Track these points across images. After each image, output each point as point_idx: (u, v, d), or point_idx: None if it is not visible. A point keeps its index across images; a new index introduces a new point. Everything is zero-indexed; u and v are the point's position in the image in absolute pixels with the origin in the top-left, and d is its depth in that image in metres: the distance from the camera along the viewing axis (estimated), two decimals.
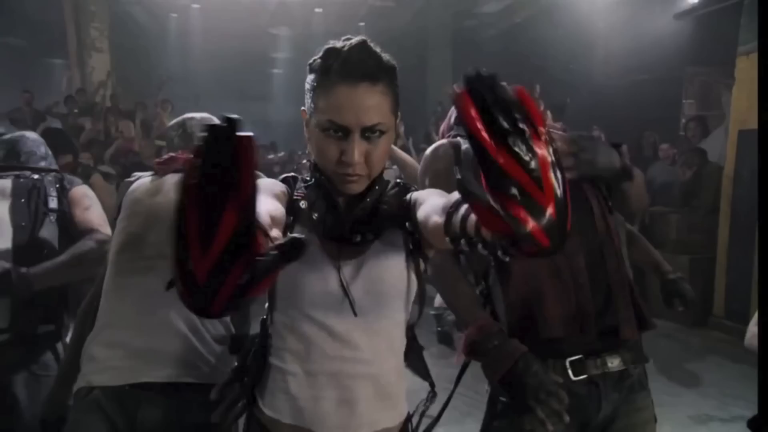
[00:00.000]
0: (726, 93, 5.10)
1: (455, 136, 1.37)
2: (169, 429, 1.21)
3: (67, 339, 1.66)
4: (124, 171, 5.39)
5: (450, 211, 0.69)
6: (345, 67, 0.86)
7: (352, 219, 0.95)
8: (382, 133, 0.90)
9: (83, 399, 1.24)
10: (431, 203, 0.84)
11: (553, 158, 0.50)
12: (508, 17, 9.67)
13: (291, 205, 0.96)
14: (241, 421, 1.06)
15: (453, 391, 1.29)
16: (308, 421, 0.92)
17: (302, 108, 0.96)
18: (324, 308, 0.92)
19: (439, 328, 3.98)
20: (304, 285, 0.92)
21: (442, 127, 1.55)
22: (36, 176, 1.70)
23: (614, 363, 1.21)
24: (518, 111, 0.49)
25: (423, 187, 1.08)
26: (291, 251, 0.51)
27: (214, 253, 0.46)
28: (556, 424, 1.06)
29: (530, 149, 0.49)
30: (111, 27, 8.60)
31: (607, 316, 1.21)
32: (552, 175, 0.50)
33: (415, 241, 0.95)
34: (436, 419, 1.12)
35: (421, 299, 1.00)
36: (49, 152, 1.87)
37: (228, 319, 1.35)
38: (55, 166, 1.86)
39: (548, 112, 6.60)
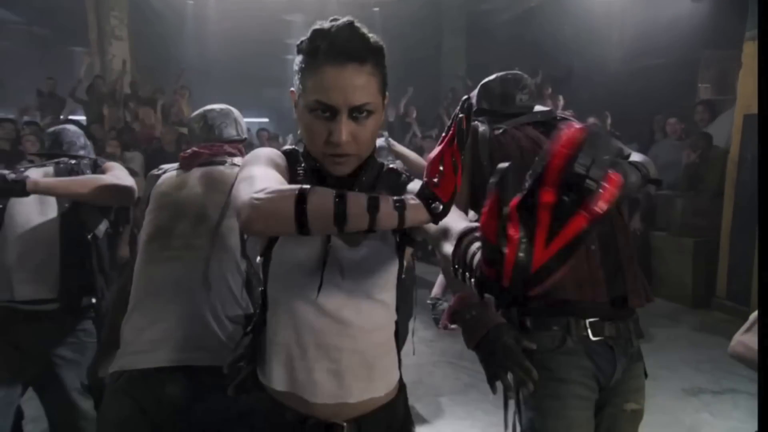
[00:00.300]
0: None
1: (473, 119, 1.45)
2: (191, 409, 1.27)
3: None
4: (146, 157, 5.60)
5: (460, 241, 0.79)
6: (332, 48, 0.87)
7: None
8: (369, 113, 0.90)
9: (114, 383, 1.33)
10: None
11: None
12: (522, 2, 9.64)
13: (292, 180, 0.98)
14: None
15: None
16: (301, 390, 0.95)
17: (291, 89, 0.96)
18: (313, 286, 0.94)
19: (434, 316, 4.14)
20: (296, 263, 0.95)
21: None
22: (74, 161, 1.90)
23: (623, 330, 1.31)
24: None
25: None
26: None
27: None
28: (522, 390, 1.13)
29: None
30: (130, 15, 8.78)
31: (617, 284, 1.30)
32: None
33: (408, 235, 0.99)
34: None
35: (412, 280, 1.09)
36: (88, 143, 2.06)
37: (247, 300, 1.43)
38: (92, 155, 2.05)
39: (560, 97, 6.67)
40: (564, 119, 1.50)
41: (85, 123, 6.63)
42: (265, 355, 1.00)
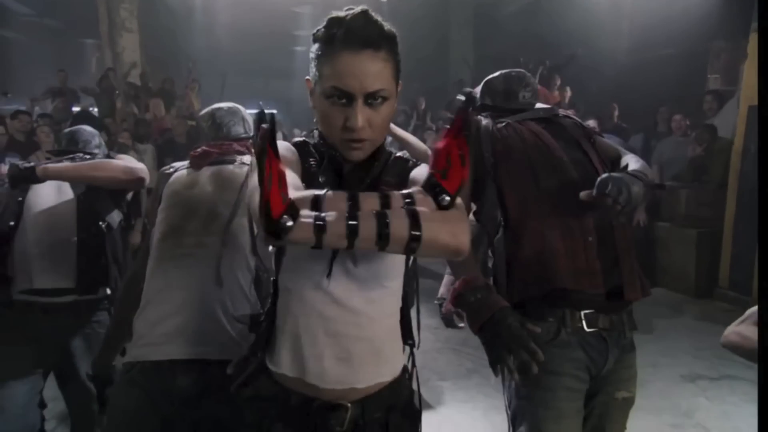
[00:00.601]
0: None
1: (476, 114, 1.49)
2: (200, 400, 1.30)
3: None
4: (157, 149, 5.69)
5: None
6: (348, 35, 0.89)
7: None
8: (384, 99, 0.93)
9: (126, 374, 1.36)
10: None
11: None
12: None
13: (304, 172, 1.00)
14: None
15: None
16: (309, 376, 0.97)
17: (306, 78, 0.98)
18: (324, 274, 0.96)
19: (443, 317, 4.23)
20: (307, 251, 0.94)
21: None
22: (88, 157, 1.97)
23: (617, 322, 1.32)
24: None
25: None
26: None
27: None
28: (524, 373, 1.14)
29: None
30: (140, 7, 8.86)
31: (614, 276, 1.30)
32: None
33: None
34: None
35: (415, 271, 1.08)
36: (103, 143, 2.13)
37: (255, 297, 1.46)
38: (106, 152, 2.11)
39: (567, 88, 6.66)
40: (566, 116, 1.52)
41: (96, 115, 6.74)
42: (275, 342, 1.02)
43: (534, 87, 1.57)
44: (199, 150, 1.55)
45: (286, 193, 0.75)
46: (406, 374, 1.09)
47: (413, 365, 1.12)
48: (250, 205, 0.86)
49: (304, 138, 1.07)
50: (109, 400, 1.42)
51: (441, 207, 0.83)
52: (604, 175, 1.23)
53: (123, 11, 8.71)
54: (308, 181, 0.96)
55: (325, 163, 0.99)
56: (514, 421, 1.35)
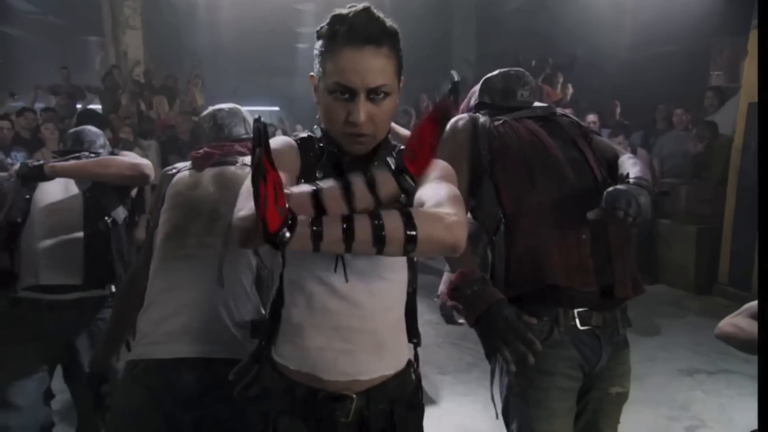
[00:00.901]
0: None
1: (475, 112, 1.52)
2: (203, 398, 1.32)
3: None
4: (161, 146, 5.74)
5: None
6: (351, 32, 0.90)
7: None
8: (386, 94, 0.94)
9: (130, 371, 1.37)
10: (425, 198, 0.91)
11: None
12: None
13: (305, 167, 1.01)
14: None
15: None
16: (313, 368, 0.99)
17: (311, 74, 0.99)
18: (327, 268, 0.97)
19: (443, 314, 4.26)
20: None
21: (462, 106, 1.67)
22: (93, 155, 2.00)
23: (610, 319, 1.33)
24: None
25: (441, 157, 1.10)
26: None
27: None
28: (521, 364, 1.14)
29: None
30: (143, 5, 8.90)
31: (606, 274, 1.31)
32: None
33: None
34: None
35: (414, 268, 1.08)
36: (107, 143, 2.16)
37: (257, 296, 1.48)
38: (110, 151, 2.14)
39: (569, 86, 6.68)
40: (563, 115, 1.54)
41: (101, 112, 6.78)
42: (280, 335, 1.04)
43: (532, 86, 1.57)
44: (201, 151, 1.57)
45: (284, 206, 0.76)
46: (411, 368, 1.09)
47: (416, 362, 1.12)
48: (234, 214, 0.88)
49: (309, 133, 1.08)
50: (112, 397, 1.44)
51: (404, 190, 0.85)
52: (611, 189, 1.24)
53: (127, 9, 8.74)
54: (308, 176, 0.99)
55: (325, 157, 1.01)
56: (506, 417, 1.38)
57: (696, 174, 4.97)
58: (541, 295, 1.29)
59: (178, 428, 1.33)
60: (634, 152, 5.11)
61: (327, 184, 0.86)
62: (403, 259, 1.03)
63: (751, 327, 1.37)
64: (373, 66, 0.91)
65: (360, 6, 0.93)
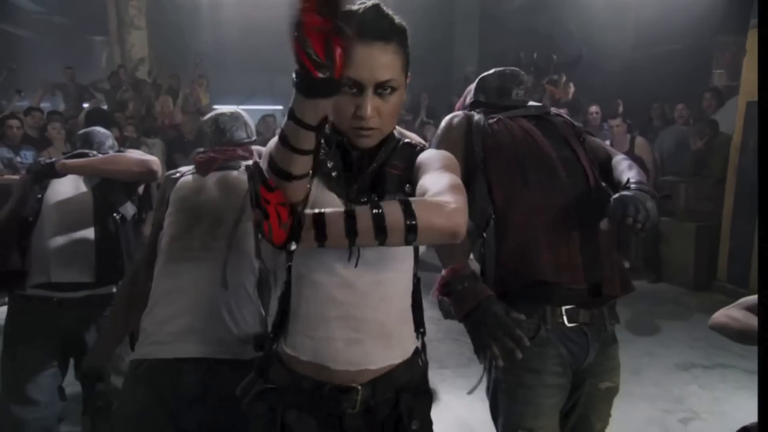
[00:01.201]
0: None
1: (471, 110, 1.55)
2: (205, 397, 1.35)
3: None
4: (165, 144, 5.80)
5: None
6: (360, 28, 0.92)
7: (360, 183, 1.02)
8: (393, 89, 0.97)
9: (134, 371, 1.40)
10: (427, 185, 0.93)
11: None
12: None
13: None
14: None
15: None
16: (322, 358, 1.01)
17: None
18: (334, 259, 0.99)
19: (441, 309, 4.30)
20: None
21: (458, 104, 1.69)
22: (101, 155, 2.04)
23: (597, 316, 1.35)
24: None
25: None
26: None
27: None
28: (509, 360, 1.15)
29: None
30: (148, 5, 8.97)
31: (595, 272, 1.33)
32: None
33: None
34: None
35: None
36: (115, 143, 2.22)
37: (258, 298, 1.51)
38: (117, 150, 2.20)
39: (571, 84, 6.72)
40: (557, 115, 1.56)
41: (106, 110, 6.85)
42: (289, 327, 1.05)
43: (527, 85, 1.60)
44: (205, 156, 1.60)
45: (286, 221, 0.81)
46: (419, 356, 1.11)
47: (423, 351, 1.13)
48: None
49: None
50: (118, 396, 1.46)
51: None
52: (618, 196, 1.25)
53: (131, 8, 8.82)
54: (316, 167, 0.99)
55: (333, 149, 1.03)
56: (493, 412, 1.41)
57: (696, 172, 5.00)
58: (529, 293, 1.31)
59: (182, 427, 1.35)
60: (632, 141, 5.15)
61: (332, 210, 0.86)
62: (409, 248, 1.05)
63: (744, 318, 1.38)
64: (381, 61, 0.94)
65: (370, 3, 0.96)
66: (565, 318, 1.32)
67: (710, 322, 1.46)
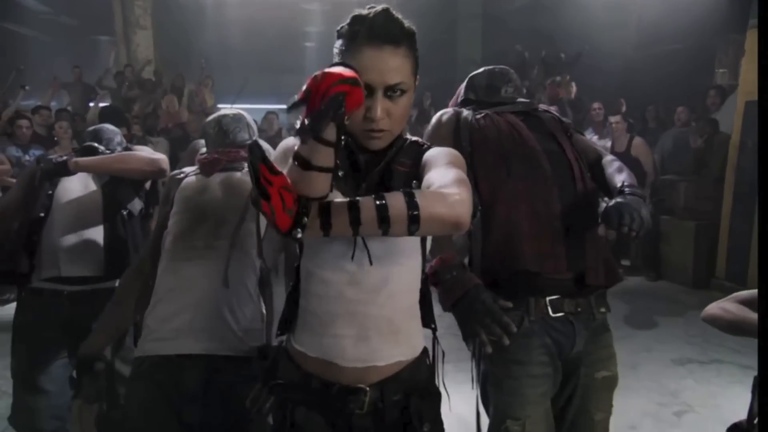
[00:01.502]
0: None
1: (461, 107, 1.58)
2: (206, 392, 1.38)
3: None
4: (171, 143, 5.88)
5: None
6: (371, 32, 0.95)
7: (369, 182, 1.03)
8: (402, 92, 0.98)
9: (137, 368, 1.42)
10: (432, 180, 0.95)
11: None
12: None
13: None
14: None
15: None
16: (330, 355, 1.01)
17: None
18: (344, 257, 0.99)
19: (441, 301, 4.32)
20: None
21: (451, 102, 1.72)
22: (108, 151, 2.10)
23: (584, 305, 1.37)
24: None
25: None
26: None
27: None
28: (496, 344, 1.18)
29: None
30: (153, 5, 9.05)
31: (579, 261, 1.35)
32: None
33: None
34: None
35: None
36: (123, 140, 2.26)
37: (259, 297, 1.53)
38: (125, 146, 2.24)
39: (572, 84, 6.76)
40: (545, 111, 1.59)
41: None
42: (298, 324, 1.07)
43: (517, 84, 1.63)
44: (208, 157, 1.63)
45: (291, 207, 0.81)
46: (426, 357, 1.11)
47: (434, 348, 1.14)
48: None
49: None
50: (126, 393, 1.48)
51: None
52: (613, 204, 1.27)
53: (137, 8, 8.91)
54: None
55: (340, 149, 1.09)
56: (484, 402, 1.44)
57: (695, 170, 5.04)
58: (513, 283, 1.32)
59: (187, 422, 1.38)
60: (630, 141, 5.18)
61: (337, 200, 0.87)
62: (417, 243, 1.05)
63: (737, 310, 1.40)
64: (391, 64, 0.96)
65: (379, 7, 0.97)
66: (549, 308, 1.34)
67: (703, 314, 1.48)
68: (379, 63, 0.95)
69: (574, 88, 6.69)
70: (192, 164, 1.74)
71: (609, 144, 5.27)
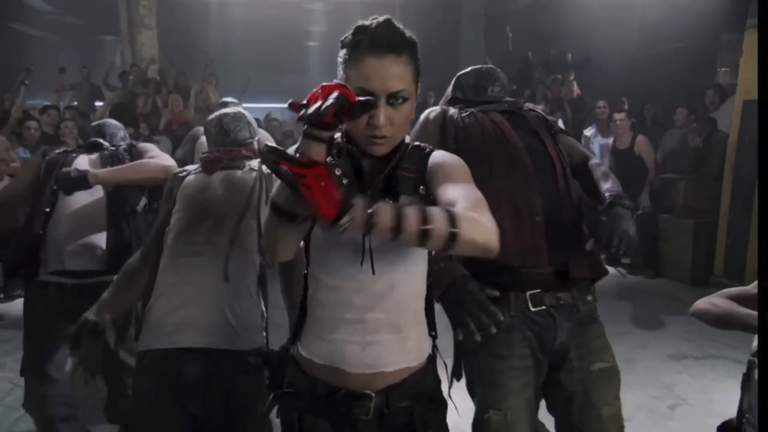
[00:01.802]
0: None
1: (448, 105, 1.61)
2: (206, 385, 1.41)
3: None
4: (174, 141, 5.95)
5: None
6: (373, 41, 0.97)
7: (374, 188, 1.04)
8: (404, 99, 1.01)
9: (140, 362, 1.46)
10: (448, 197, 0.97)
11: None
12: None
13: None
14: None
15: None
16: (337, 361, 1.03)
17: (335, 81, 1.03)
18: (350, 264, 1.01)
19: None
20: (335, 243, 1.02)
21: (441, 101, 1.75)
22: (113, 148, 2.19)
23: (565, 298, 1.40)
24: None
25: None
26: None
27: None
28: (485, 334, 1.17)
29: None
30: (158, 5, 9.12)
31: (560, 255, 1.38)
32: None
33: (429, 202, 1.04)
34: None
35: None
36: (127, 135, 2.35)
37: (258, 292, 1.55)
38: (128, 142, 2.33)
39: (574, 83, 6.80)
40: (531, 110, 1.61)
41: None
42: (305, 330, 1.10)
43: (504, 83, 1.65)
44: (210, 156, 1.67)
45: (333, 195, 0.80)
46: (432, 364, 1.13)
47: (434, 354, 1.16)
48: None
49: None
50: (132, 385, 1.52)
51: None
52: (602, 224, 1.32)
53: (142, 8, 8.98)
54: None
55: (343, 156, 1.07)
56: (471, 393, 1.47)
57: (694, 169, 5.07)
58: (494, 278, 1.32)
59: (191, 415, 1.42)
60: (634, 139, 5.22)
61: (384, 203, 0.87)
62: (423, 250, 1.06)
63: (725, 305, 1.45)
64: (393, 73, 0.98)
65: (381, 18, 1.00)
66: (529, 303, 1.37)
67: (692, 309, 1.51)
68: (381, 71, 0.97)
69: (575, 87, 6.73)
70: (192, 150, 1.78)
71: (612, 141, 5.32)
